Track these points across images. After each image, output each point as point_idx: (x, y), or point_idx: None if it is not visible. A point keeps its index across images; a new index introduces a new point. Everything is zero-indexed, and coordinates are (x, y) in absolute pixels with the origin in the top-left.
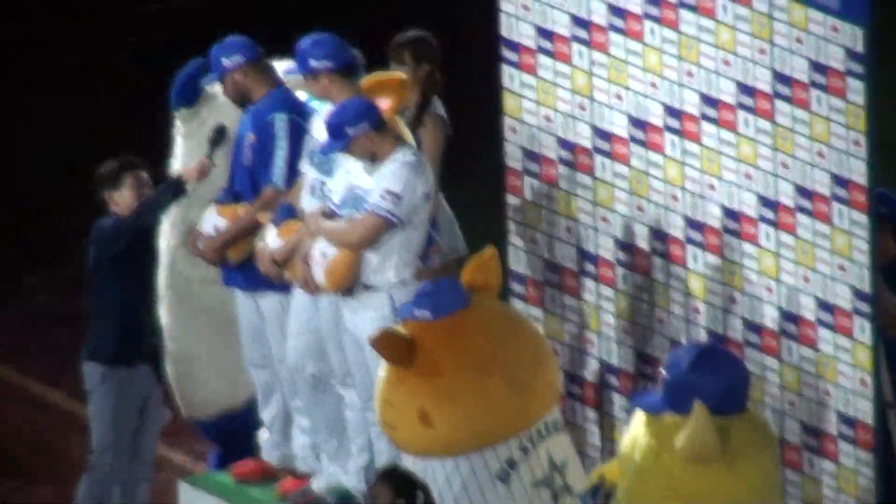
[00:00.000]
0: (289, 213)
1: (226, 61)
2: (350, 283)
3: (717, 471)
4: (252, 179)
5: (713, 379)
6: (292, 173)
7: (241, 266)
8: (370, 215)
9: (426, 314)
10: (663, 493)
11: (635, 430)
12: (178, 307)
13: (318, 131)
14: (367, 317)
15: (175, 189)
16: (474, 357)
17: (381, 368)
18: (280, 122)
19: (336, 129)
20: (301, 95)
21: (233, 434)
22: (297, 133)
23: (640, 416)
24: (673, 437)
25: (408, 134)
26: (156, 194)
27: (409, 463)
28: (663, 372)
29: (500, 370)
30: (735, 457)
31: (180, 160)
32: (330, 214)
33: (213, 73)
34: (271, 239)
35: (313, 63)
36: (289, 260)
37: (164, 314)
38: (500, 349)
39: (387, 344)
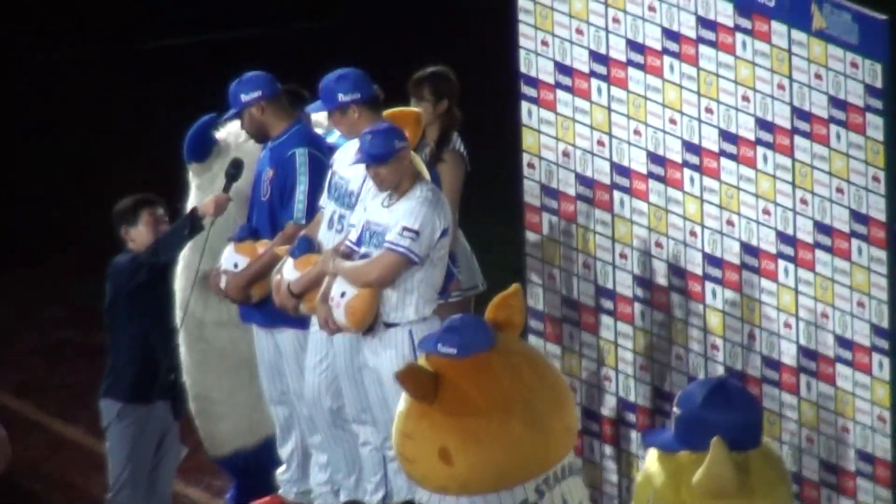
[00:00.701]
0: (308, 245)
1: (244, 97)
2: (370, 322)
3: None
4: (271, 215)
5: (727, 414)
6: (313, 208)
7: (258, 302)
8: (388, 253)
9: (452, 351)
10: None
11: (649, 468)
12: (193, 347)
13: (339, 165)
14: (387, 355)
15: (192, 224)
16: (499, 398)
17: (402, 402)
18: (301, 157)
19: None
20: (318, 131)
21: (249, 471)
22: (317, 168)
23: (653, 454)
24: (690, 473)
25: (425, 170)
26: (173, 230)
27: (425, 497)
28: (676, 409)
29: (523, 412)
30: (752, 492)
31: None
32: (347, 253)
33: (231, 109)
34: (288, 271)
35: (342, 97)
36: (306, 292)
37: (182, 352)
38: (523, 391)
39: (412, 378)
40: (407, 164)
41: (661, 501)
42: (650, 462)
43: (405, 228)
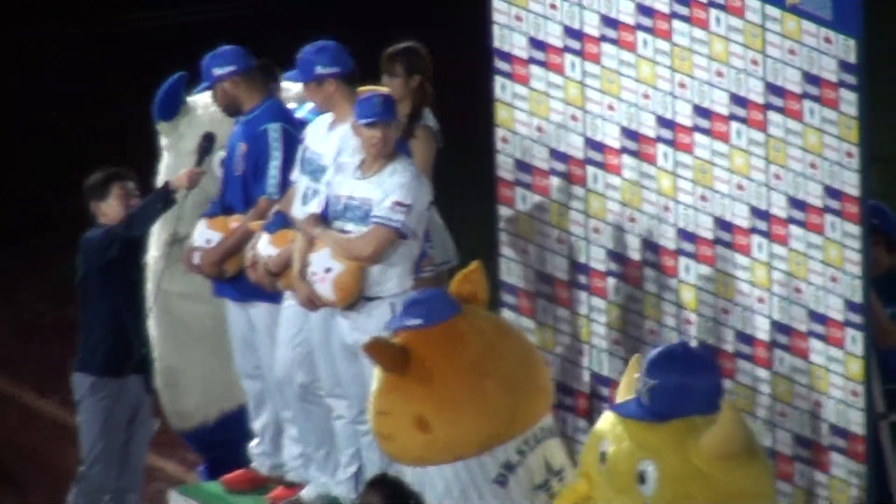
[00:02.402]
0: (282, 221)
1: (217, 70)
2: (357, 297)
3: (747, 462)
4: (244, 190)
5: (704, 377)
6: (285, 183)
7: (231, 277)
8: (381, 228)
9: (418, 322)
10: (707, 494)
11: (625, 439)
12: (161, 320)
13: (311, 140)
14: (369, 328)
15: (164, 198)
16: (469, 361)
17: (374, 380)
18: (273, 132)
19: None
20: (289, 105)
21: (215, 445)
22: (290, 143)
23: (632, 430)
24: (694, 438)
25: None
26: (145, 204)
27: (408, 474)
28: (647, 379)
29: (496, 373)
30: (755, 450)
31: (163, 172)
32: (326, 221)
33: (204, 83)
34: (263, 247)
35: (319, 70)
36: (284, 269)
37: (151, 326)
38: (493, 353)
39: (380, 351)
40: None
41: (667, 470)
42: (628, 435)
43: (396, 202)
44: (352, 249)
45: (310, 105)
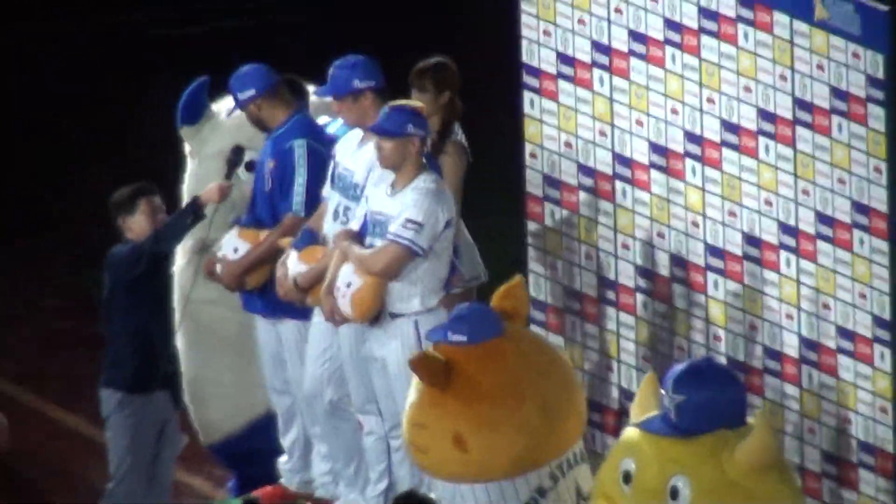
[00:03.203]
0: (310, 238)
1: (239, 95)
2: (376, 313)
3: (779, 473)
4: (272, 206)
5: (730, 392)
6: (312, 200)
7: (261, 292)
8: (392, 245)
9: (462, 339)
10: None
11: (652, 454)
12: (187, 327)
13: (342, 156)
14: (393, 345)
15: (194, 212)
16: (512, 384)
17: (412, 392)
18: (300, 148)
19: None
20: (320, 120)
21: (242, 458)
22: (317, 159)
23: (648, 442)
24: (727, 451)
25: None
26: (174, 218)
27: (439, 488)
28: (674, 395)
29: (536, 398)
30: (784, 462)
31: (188, 179)
32: (355, 236)
33: (234, 105)
34: (293, 264)
35: (357, 83)
36: (313, 285)
37: (178, 337)
38: (535, 377)
39: (425, 365)
40: (413, 152)
41: (701, 484)
42: (651, 450)
43: (408, 220)
44: (366, 264)
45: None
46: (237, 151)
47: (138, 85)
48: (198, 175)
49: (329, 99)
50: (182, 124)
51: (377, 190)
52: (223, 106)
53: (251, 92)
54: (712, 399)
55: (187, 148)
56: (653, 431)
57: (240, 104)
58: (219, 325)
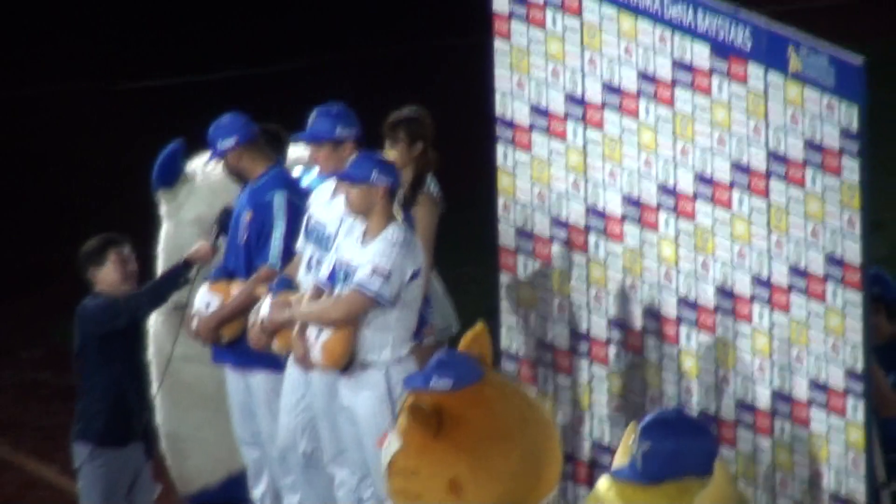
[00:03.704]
0: (286, 284)
1: (220, 144)
2: (346, 362)
3: None
4: (247, 257)
5: (697, 442)
6: (288, 252)
7: (230, 343)
8: (355, 293)
9: (447, 384)
10: None
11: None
12: (163, 383)
13: (316, 208)
14: (364, 395)
15: (184, 273)
16: (501, 427)
17: (396, 439)
18: (279, 200)
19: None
20: (294, 172)
21: None
22: (294, 212)
23: (625, 494)
24: (681, 500)
25: (398, 210)
26: (165, 280)
27: None
28: (642, 443)
29: (524, 441)
30: None
31: (163, 240)
32: (323, 291)
33: (211, 156)
34: (266, 310)
35: (339, 131)
36: (279, 330)
37: (154, 390)
38: (520, 421)
39: (418, 411)
40: (380, 201)
41: None
42: (616, 497)
43: (374, 270)
44: (323, 315)
45: (316, 171)
46: (227, 213)
47: (135, 140)
48: (174, 238)
49: (303, 150)
50: (158, 187)
51: (348, 239)
52: (198, 167)
53: (232, 141)
54: (676, 448)
55: (162, 210)
56: (620, 478)
57: (220, 153)
58: (196, 381)
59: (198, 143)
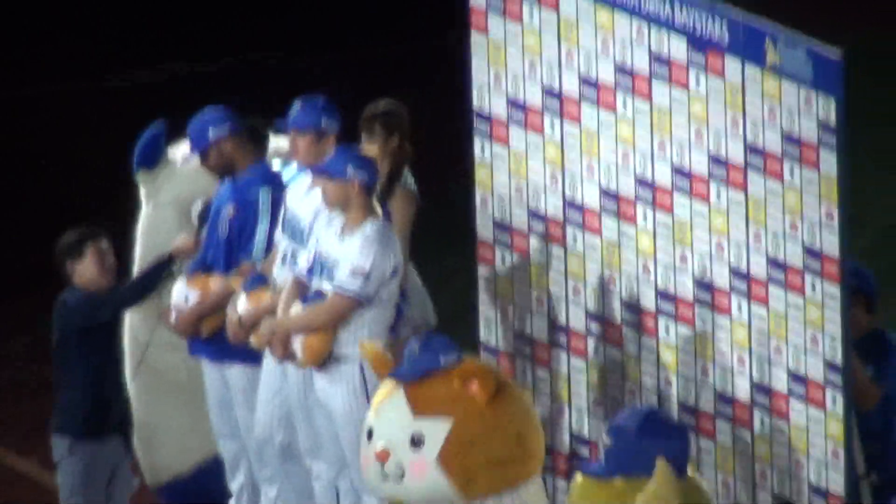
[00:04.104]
0: (260, 280)
1: (213, 132)
2: (326, 358)
3: None
4: (227, 252)
5: (661, 442)
6: (271, 248)
7: (207, 337)
8: (337, 297)
9: (454, 358)
10: None
11: (581, 497)
12: (137, 371)
13: (292, 201)
14: (338, 390)
15: (168, 268)
16: (515, 393)
17: (446, 421)
18: (264, 195)
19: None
20: (274, 164)
21: (189, 501)
22: (278, 209)
23: (583, 484)
24: (630, 497)
25: (377, 205)
26: (148, 274)
27: None
28: (607, 439)
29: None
30: None
31: (142, 222)
32: (303, 290)
33: (194, 147)
34: (241, 304)
35: (325, 123)
36: (256, 325)
37: (128, 380)
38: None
39: (487, 378)
40: (357, 196)
41: None
42: (581, 491)
43: (354, 270)
44: (310, 322)
45: (295, 165)
46: (209, 208)
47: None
48: (153, 221)
49: (283, 142)
50: (138, 169)
51: (327, 232)
52: (179, 152)
53: (225, 129)
54: (635, 444)
55: (142, 193)
56: (585, 473)
57: (211, 142)
58: (168, 368)
59: (176, 130)
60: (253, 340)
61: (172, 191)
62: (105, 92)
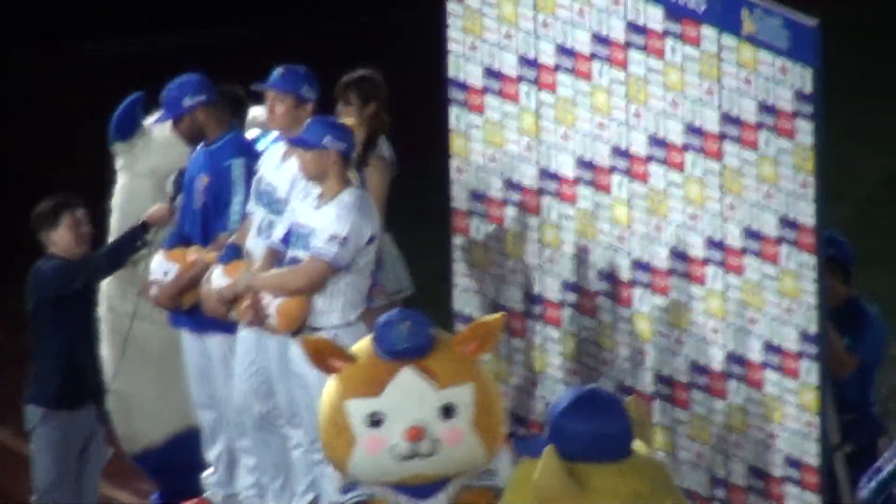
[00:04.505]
0: (235, 252)
1: (189, 100)
2: (301, 324)
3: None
4: (203, 223)
5: (587, 424)
6: (244, 216)
7: (189, 308)
8: (314, 260)
9: (438, 328)
10: None
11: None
12: (112, 340)
13: (266, 170)
14: None
15: (142, 236)
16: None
17: (465, 392)
18: (238, 167)
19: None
20: (249, 134)
21: (164, 470)
22: (250, 177)
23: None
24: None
25: (353, 174)
26: (122, 243)
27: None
28: (546, 418)
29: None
30: (596, 501)
31: (118, 193)
32: (278, 253)
33: (168, 113)
34: (217, 278)
35: (306, 91)
36: (236, 299)
37: (103, 347)
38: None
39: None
40: (333, 166)
41: None
42: (521, 471)
43: (332, 235)
44: (286, 283)
45: (273, 135)
46: (183, 175)
47: (96, 110)
48: (129, 191)
49: (261, 111)
50: (115, 140)
51: (303, 202)
52: (155, 122)
53: (202, 97)
54: (564, 427)
55: (119, 163)
56: (516, 449)
57: (188, 108)
58: (143, 338)
59: (153, 102)
60: (235, 314)
61: (149, 162)
62: (83, 62)
